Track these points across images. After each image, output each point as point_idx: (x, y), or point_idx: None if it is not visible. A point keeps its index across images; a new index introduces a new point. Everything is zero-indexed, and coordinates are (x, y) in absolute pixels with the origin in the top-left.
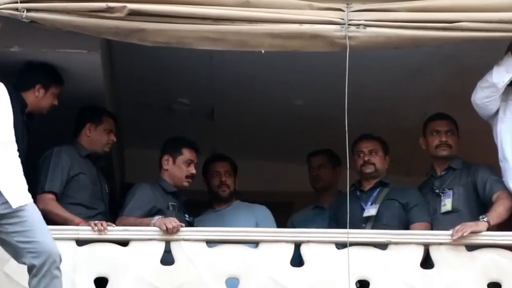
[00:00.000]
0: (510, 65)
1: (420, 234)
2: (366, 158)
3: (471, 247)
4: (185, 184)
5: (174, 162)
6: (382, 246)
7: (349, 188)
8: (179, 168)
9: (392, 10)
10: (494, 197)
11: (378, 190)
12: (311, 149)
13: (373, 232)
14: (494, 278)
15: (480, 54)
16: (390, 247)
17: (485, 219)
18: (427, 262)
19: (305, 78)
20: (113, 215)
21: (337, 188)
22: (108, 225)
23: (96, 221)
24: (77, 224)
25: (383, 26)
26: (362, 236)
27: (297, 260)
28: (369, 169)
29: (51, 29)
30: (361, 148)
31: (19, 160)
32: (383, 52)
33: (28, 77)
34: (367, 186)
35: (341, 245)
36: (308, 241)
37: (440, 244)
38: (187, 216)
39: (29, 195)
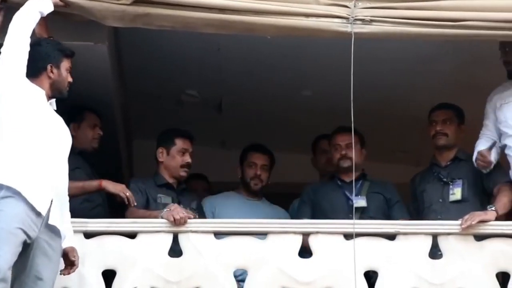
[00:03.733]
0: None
1: (428, 225)
2: (343, 152)
3: (479, 237)
4: (182, 174)
5: (168, 153)
6: (390, 236)
7: (329, 178)
8: (173, 158)
9: (398, 8)
10: (496, 189)
11: (360, 182)
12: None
13: (381, 222)
14: (502, 267)
15: (489, 43)
16: (398, 237)
17: (493, 208)
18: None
19: (313, 69)
20: (112, 208)
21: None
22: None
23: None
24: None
25: (389, 22)
26: (369, 227)
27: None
28: (346, 163)
29: (57, 19)
30: (337, 141)
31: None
32: (391, 42)
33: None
34: (347, 178)
35: (350, 236)
36: (317, 232)
37: (449, 234)
38: (182, 206)
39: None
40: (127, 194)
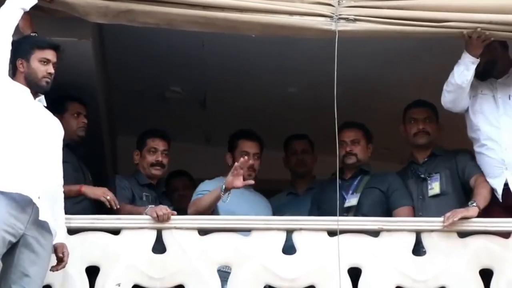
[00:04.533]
0: (468, 63)
1: (411, 221)
2: (348, 149)
3: (462, 234)
4: (154, 172)
5: (141, 154)
6: (374, 233)
7: (330, 176)
8: (144, 158)
9: (382, 7)
10: (472, 180)
11: (358, 178)
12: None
13: (364, 219)
14: (486, 264)
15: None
16: (382, 234)
17: (474, 204)
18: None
19: (298, 65)
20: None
21: (312, 175)
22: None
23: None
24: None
25: (372, 22)
26: (353, 224)
27: (288, 248)
28: (351, 160)
29: (40, 15)
30: (343, 137)
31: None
32: (375, 39)
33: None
34: (348, 174)
35: (334, 233)
36: (300, 229)
37: (432, 231)
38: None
39: None
40: (108, 197)
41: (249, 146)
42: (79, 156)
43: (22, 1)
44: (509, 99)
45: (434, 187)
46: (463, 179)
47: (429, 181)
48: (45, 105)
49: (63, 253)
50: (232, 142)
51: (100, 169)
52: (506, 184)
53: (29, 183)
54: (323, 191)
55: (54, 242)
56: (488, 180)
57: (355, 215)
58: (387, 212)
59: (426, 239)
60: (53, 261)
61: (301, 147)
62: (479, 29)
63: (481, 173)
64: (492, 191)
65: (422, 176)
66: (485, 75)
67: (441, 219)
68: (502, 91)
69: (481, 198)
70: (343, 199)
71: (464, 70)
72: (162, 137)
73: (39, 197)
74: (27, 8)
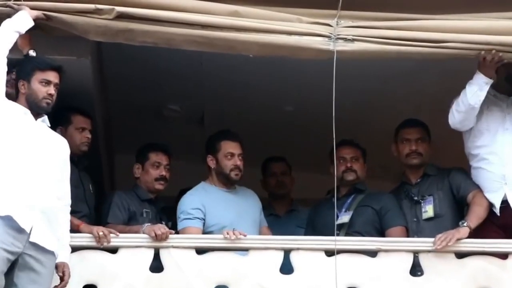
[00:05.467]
0: (482, 83)
1: (409, 242)
2: (348, 165)
3: (460, 255)
4: (158, 187)
5: (143, 168)
6: (372, 253)
7: (326, 195)
8: (147, 172)
9: (380, 28)
10: (470, 196)
11: (352, 196)
12: (300, 155)
13: (362, 239)
14: (483, 285)
15: (470, 63)
16: (380, 254)
17: (465, 224)
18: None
19: (295, 84)
20: (99, 216)
21: (290, 197)
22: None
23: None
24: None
25: (371, 42)
26: (351, 244)
27: (286, 268)
28: (351, 176)
29: (39, 34)
30: (343, 154)
31: None
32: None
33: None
34: (343, 192)
35: (332, 253)
36: (298, 249)
37: (429, 251)
38: (164, 222)
39: None
40: (100, 234)
41: (234, 147)
42: (81, 168)
43: (17, 24)
44: None
45: (428, 210)
46: (458, 196)
47: (422, 204)
48: (49, 125)
49: (63, 272)
50: (214, 144)
51: (98, 186)
52: (504, 202)
53: (22, 208)
54: (317, 210)
55: (56, 261)
56: (486, 195)
57: (347, 233)
58: (380, 231)
59: (423, 260)
60: (57, 281)
61: (280, 169)
62: (494, 51)
63: (479, 189)
64: (489, 207)
65: (416, 198)
66: None
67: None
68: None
69: (474, 217)
70: (336, 217)
71: (478, 90)
72: (165, 151)
73: (32, 224)
74: (23, 31)
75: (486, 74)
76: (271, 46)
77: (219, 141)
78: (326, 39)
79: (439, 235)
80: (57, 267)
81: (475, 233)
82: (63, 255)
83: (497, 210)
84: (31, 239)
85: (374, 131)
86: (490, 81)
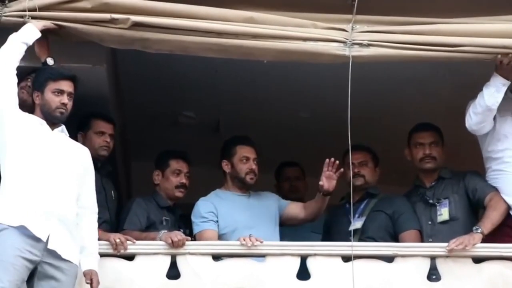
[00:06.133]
0: (499, 85)
1: (426, 247)
2: (356, 170)
3: (478, 259)
4: (178, 194)
5: (163, 175)
6: (389, 259)
7: (340, 201)
8: (168, 180)
9: (396, 32)
10: (487, 199)
11: (365, 202)
12: (315, 161)
13: (378, 245)
14: None
15: (485, 67)
16: (397, 260)
17: (479, 231)
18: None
19: (310, 90)
20: (120, 222)
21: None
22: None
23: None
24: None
25: (386, 47)
26: (367, 249)
27: (303, 274)
28: (358, 181)
29: (55, 42)
30: (352, 159)
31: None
32: (388, 63)
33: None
34: (355, 197)
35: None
36: (315, 254)
37: (447, 256)
38: (182, 230)
39: None
40: (117, 241)
41: (249, 151)
42: (104, 174)
43: (24, 36)
44: None
45: (443, 213)
46: (474, 200)
47: (438, 207)
48: (67, 134)
49: (91, 280)
50: (229, 149)
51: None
52: None
53: (37, 217)
54: (332, 216)
55: (83, 269)
56: (506, 198)
57: (360, 239)
58: (393, 235)
59: (441, 265)
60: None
61: (294, 174)
62: (510, 55)
63: (496, 191)
64: (506, 212)
65: (431, 201)
66: None
67: (456, 244)
68: None
69: (488, 222)
70: (348, 223)
71: (495, 92)
72: (185, 159)
73: (49, 232)
74: (30, 43)
75: (503, 76)
76: (287, 52)
77: (234, 146)
78: (342, 44)
79: (452, 241)
80: (84, 275)
81: (489, 238)
82: (90, 262)
83: None
84: (49, 247)
85: (391, 136)
86: (508, 83)
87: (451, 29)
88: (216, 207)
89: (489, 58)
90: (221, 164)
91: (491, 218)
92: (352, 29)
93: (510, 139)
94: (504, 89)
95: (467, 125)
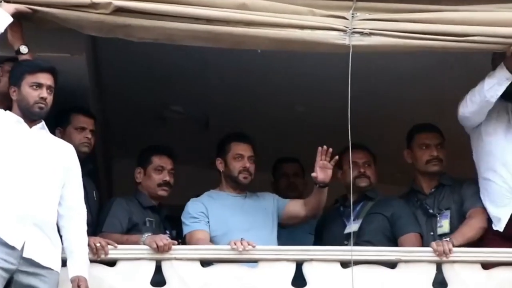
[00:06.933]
0: (503, 78)
1: (432, 251)
2: (361, 170)
3: (486, 265)
4: (161, 193)
5: (145, 173)
6: (391, 264)
7: (333, 203)
8: (150, 177)
9: (399, 20)
10: (467, 214)
11: (361, 204)
12: (312, 159)
13: (380, 249)
14: None
15: (490, 58)
16: (400, 265)
17: (447, 239)
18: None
19: (306, 83)
20: (99, 224)
21: None
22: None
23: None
24: None
25: (388, 36)
26: (368, 254)
27: (299, 280)
28: (364, 182)
29: (30, 28)
30: (355, 158)
31: None
32: (389, 56)
33: None
34: (352, 199)
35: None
36: (311, 260)
37: (454, 262)
38: (168, 232)
39: None
40: (97, 245)
41: (243, 149)
42: (85, 173)
43: None
44: None
45: (444, 225)
46: (464, 210)
47: (438, 218)
48: (47, 131)
49: (79, 287)
50: (223, 146)
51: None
52: None
53: (11, 223)
54: (324, 221)
55: (70, 276)
56: (493, 209)
57: (356, 243)
58: (391, 239)
59: (447, 271)
60: None
61: (292, 170)
62: None
63: (478, 207)
64: (481, 230)
65: (431, 211)
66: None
67: (464, 249)
68: None
69: (459, 236)
70: (343, 226)
71: (496, 84)
72: (169, 155)
73: (24, 240)
74: (2, 29)
75: (510, 69)
76: (282, 41)
77: (228, 143)
78: (341, 33)
79: (434, 247)
80: (71, 281)
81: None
82: (78, 267)
83: (502, 226)
84: (25, 255)
85: (393, 134)
86: None
87: (459, 17)
88: (207, 208)
89: (499, 49)
90: (216, 162)
91: (463, 233)
92: (352, 16)
93: (492, 139)
94: (507, 83)
95: (460, 111)
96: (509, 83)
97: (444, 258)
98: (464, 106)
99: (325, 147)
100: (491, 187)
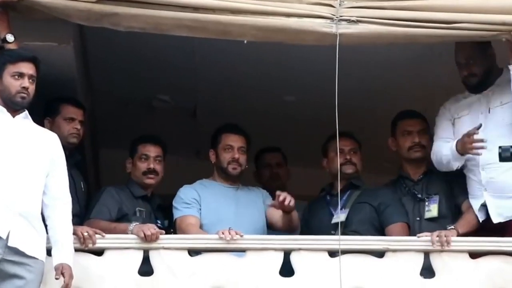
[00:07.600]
0: (456, 156)
1: (419, 241)
2: (347, 157)
3: (474, 254)
4: (147, 181)
5: (133, 163)
6: (379, 254)
7: (320, 192)
8: (136, 166)
9: (387, 8)
10: (464, 205)
11: (348, 193)
12: (302, 149)
13: (368, 238)
14: (500, 286)
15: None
16: (387, 254)
17: (452, 227)
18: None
19: (295, 73)
20: (87, 213)
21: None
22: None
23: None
24: None
25: (376, 23)
26: (356, 243)
27: (286, 269)
28: (350, 169)
29: (17, 18)
30: (340, 146)
31: None
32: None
33: None
34: (335, 190)
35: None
36: (299, 249)
37: (442, 251)
38: (159, 222)
39: None
40: (85, 234)
41: (233, 139)
42: (73, 164)
43: None
44: (489, 112)
45: (432, 210)
46: (455, 201)
47: (427, 202)
48: (31, 120)
49: (62, 274)
50: (215, 137)
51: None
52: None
53: (2, 210)
54: (311, 210)
55: (54, 264)
56: (471, 200)
57: (343, 232)
58: (379, 229)
59: (435, 260)
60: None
61: (275, 160)
62: None
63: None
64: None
65: (419, 196)
66: (481, 86)
67: (452, 238)
68: (482, 106)
69: (464, 223)
70: (330, 215)
71: (451, 160)
72: (154, 142)
73: (9, 229)
74: None
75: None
76: (269, 29)
77: (220, 134)
78: (328, 21)
79: (434, 237)
80: (55, 269)
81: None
82: (63, 255)
83: (480, 217)
84: (10, 244)
85: (381, 123)
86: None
87: (447, 4)
88: (200, 195)
89: (487, 36)
90: (209, 154)
91: (468, 220)
92: (339, 4)
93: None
94: (462, 160)
95: (433, 159)
96: (464, 160)
97: (436, 247)
98: (434, 160)
99: (282, 196)
100: (468, 180)
